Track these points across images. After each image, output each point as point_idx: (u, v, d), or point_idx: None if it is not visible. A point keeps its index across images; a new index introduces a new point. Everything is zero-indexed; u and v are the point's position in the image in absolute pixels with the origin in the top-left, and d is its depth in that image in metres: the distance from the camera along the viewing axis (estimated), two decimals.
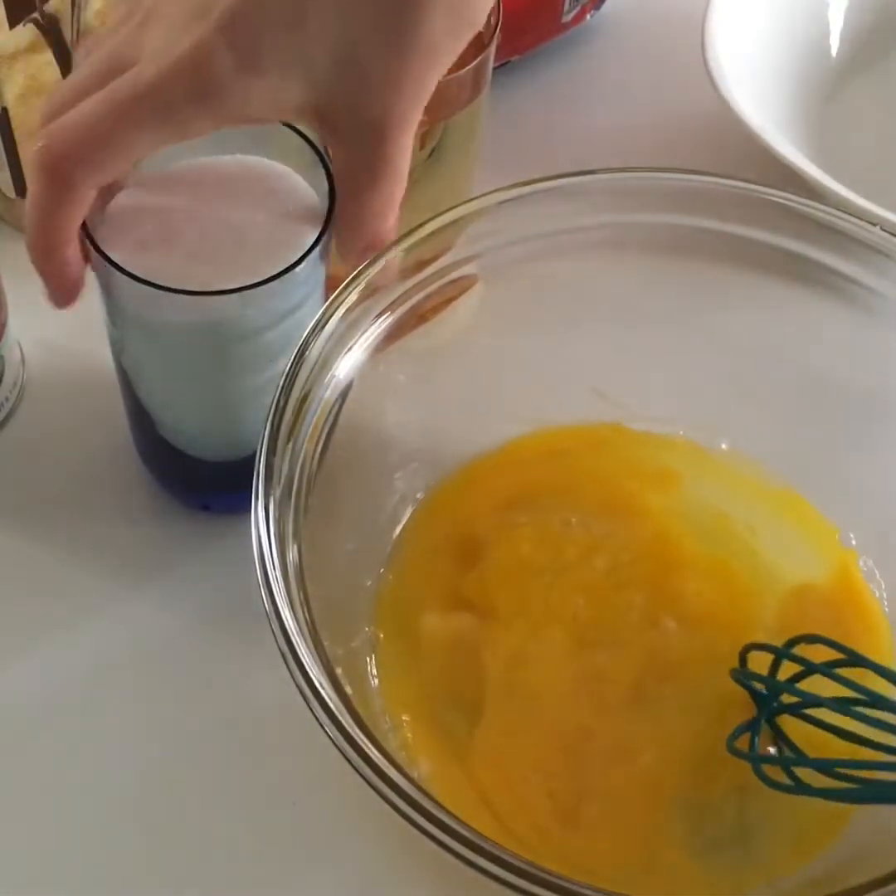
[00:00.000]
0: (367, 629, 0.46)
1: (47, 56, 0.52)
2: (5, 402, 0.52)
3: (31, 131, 0.53)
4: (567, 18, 0.64)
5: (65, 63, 0.53)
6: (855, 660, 0.41)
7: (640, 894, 0.41)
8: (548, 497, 0.49)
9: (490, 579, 0.47)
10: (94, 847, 0.44)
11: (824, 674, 0.40)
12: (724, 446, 0.51)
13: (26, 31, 0.50)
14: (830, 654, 0.41)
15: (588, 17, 0.66)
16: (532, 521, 0.48)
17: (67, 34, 0.52)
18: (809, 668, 0.41)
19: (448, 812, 0.34)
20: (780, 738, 0.43)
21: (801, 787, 0.40)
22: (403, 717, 0.44)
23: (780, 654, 0.42)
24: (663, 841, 0.42)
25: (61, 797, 0.45)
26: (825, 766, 0.40)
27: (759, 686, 0.42)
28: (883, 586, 0.48)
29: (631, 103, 0.66)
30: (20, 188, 0.55)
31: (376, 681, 0.45)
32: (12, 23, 0.49)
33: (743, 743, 0.42)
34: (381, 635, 0.46)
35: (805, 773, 0.41)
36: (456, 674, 0.45)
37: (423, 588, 0.47)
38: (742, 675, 0.43)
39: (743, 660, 0.43)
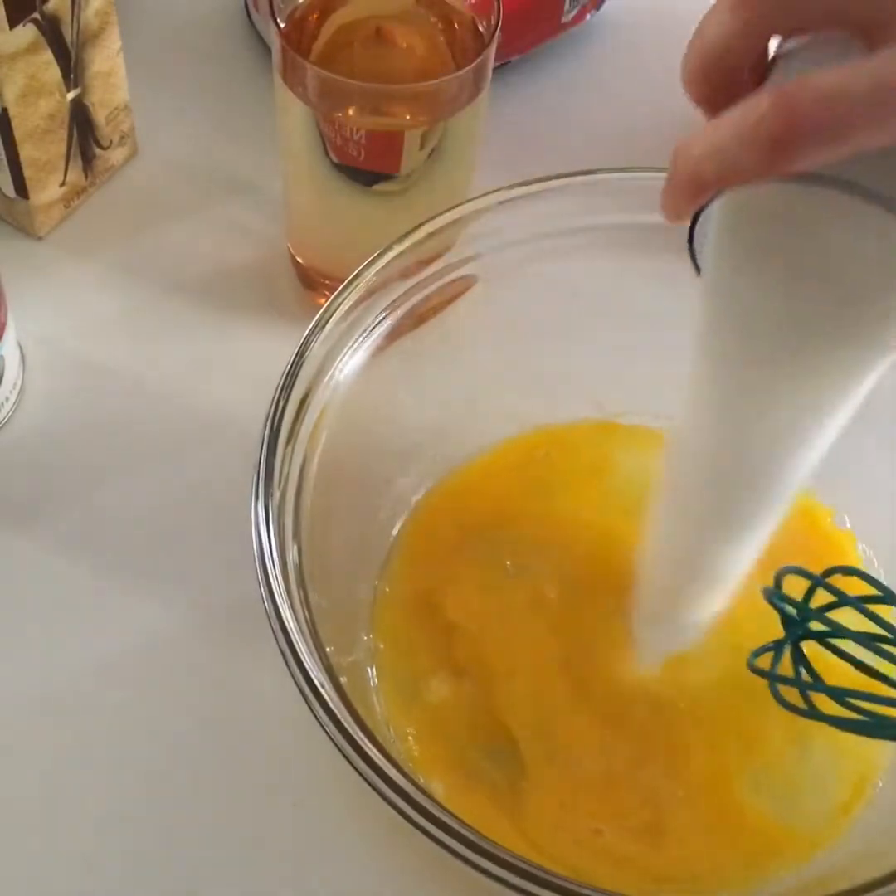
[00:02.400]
0: (366, 638, 0.46)
1: (47, 56, 0.52)
2: (5, 402, 0.52)
3: (31, 131, 0.53)
4: (567, 18, 0.64)
5: (65, 63, 0.53)
6: (887, 597, 0.41)
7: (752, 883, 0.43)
8: (494, 531, 0.49)
9: (473, 643, 0.46)
10: (93, 846, 0.44)
11: (855, 607, 0.41)
12: None
13: (26, 31, 0.50)
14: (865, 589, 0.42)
15: (588, 17, 0.66)
16: (477, 566, 0.48)
17: (67, 34, 0.52)
18: (842, 600, 0.41)
19: (448, 812, 0.34)
20: (802, 663, 0.43)
21: (813, 713, 0.41)
22: (408, 730, 0.45)
23: (816, 581, 0.42)
24: (750, 815, 0.44)
25: (60, 796, 0.45)
26: (839, 695, 0.41)
27: (790, 610, 0.43)
28: (882, 573, 0.49)
29: (631, 103, 0.66)
30: (20, 188, 0.55)
31: (377, 688, 0.45)
32: (12, 23, 0.49)
33: (764, 663, 0.43)
34: (382, 646, 0.46)
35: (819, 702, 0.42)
36: (481, 734, 0.45)
37: (413, 612, 0.48)
38: (775, 596, 0.43)
39: (778, 583, 0.43)
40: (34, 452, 0.52)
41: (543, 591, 0.47)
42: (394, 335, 0.45)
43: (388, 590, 0.48)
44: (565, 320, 0.49)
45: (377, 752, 0.35)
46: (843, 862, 0.42)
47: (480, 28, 0.49)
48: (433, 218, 0.44)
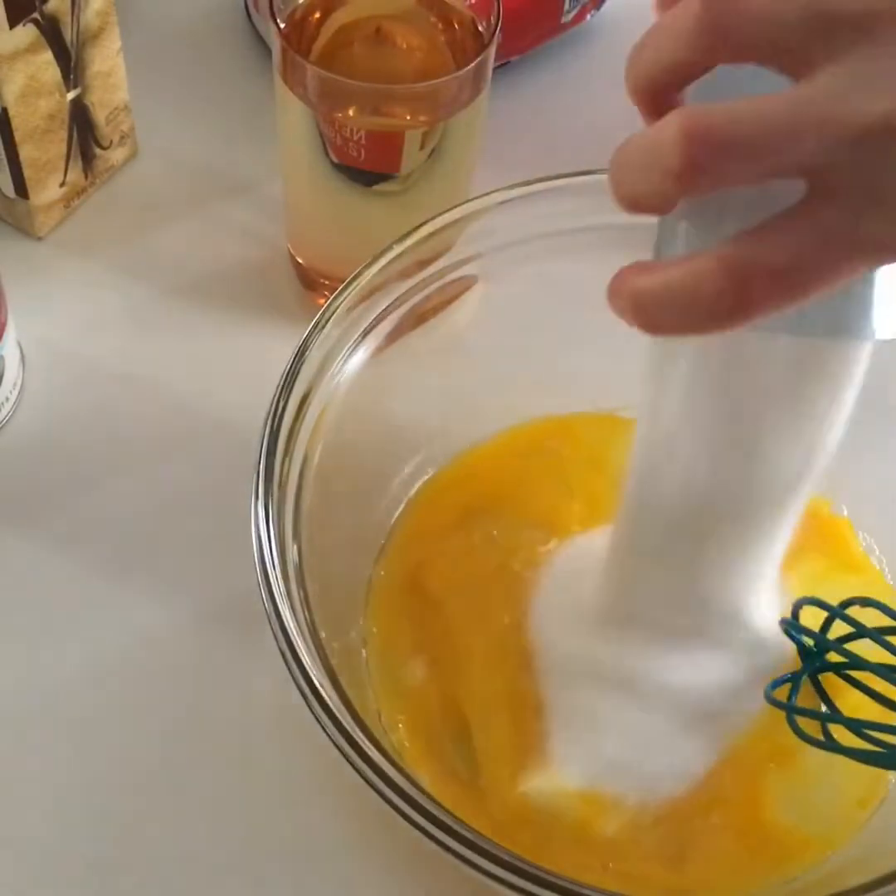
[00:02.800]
0: (361, 622, 0.46)
1: (47, 56, 0.52)
2: (5, 402, 0.52)
3: (31, 131, 0.53)
4: (567, 18, 0.64)
5: (65, 63, 0.53)
6: None
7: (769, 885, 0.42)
8: (488, 513, 0.49)
9: (446, 619, 0.46)
10: (91, 845, 0.44)
11: (874, 638, 0.41)
12: None
13: (26, 31, 0.50)
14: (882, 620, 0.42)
15: (588, 17, 0.66)
16: (463, 542, 0.48)
17: (67, 34, 0.52)
18: (860, 632, 0.41)
19: (448, 812, 0.34)
20: (819, 694, 0.43)
21: (831, 744, 0.41)
22: (398, 717, 0.45)
23: (834, 612, 0.42)
24: (773, 823, 0.43)
25: (59, 797, 0.45)
26: (857, 727, 0.41)
27: (808, 641, 0.43)
28: (884, 561, 0.49)
29: (631, 103, 0.65)
30: (20, 188, 0.55)
31: (369, 673, 0.45)
32: (12, 23, 0.49)
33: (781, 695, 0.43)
34: (375, 630, 0.46)
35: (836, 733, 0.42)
36: (447, 722, 0.45)
37: (401, 591, 0.48)
38: (792, 627, 0.43)
39: (795, 614, 0.43)
40: (34, 452, 0.52)
41: (517, 566, 0.47)
42: (394, 335, 0.45)
43: (383, 573, 0.48)
44: (565, 320, 0.49)
45: (377, 753, 0.35)
46: (857, 856, 0.42)
47: (480, 28, 0.49)
48: (433, 218, 0.44)
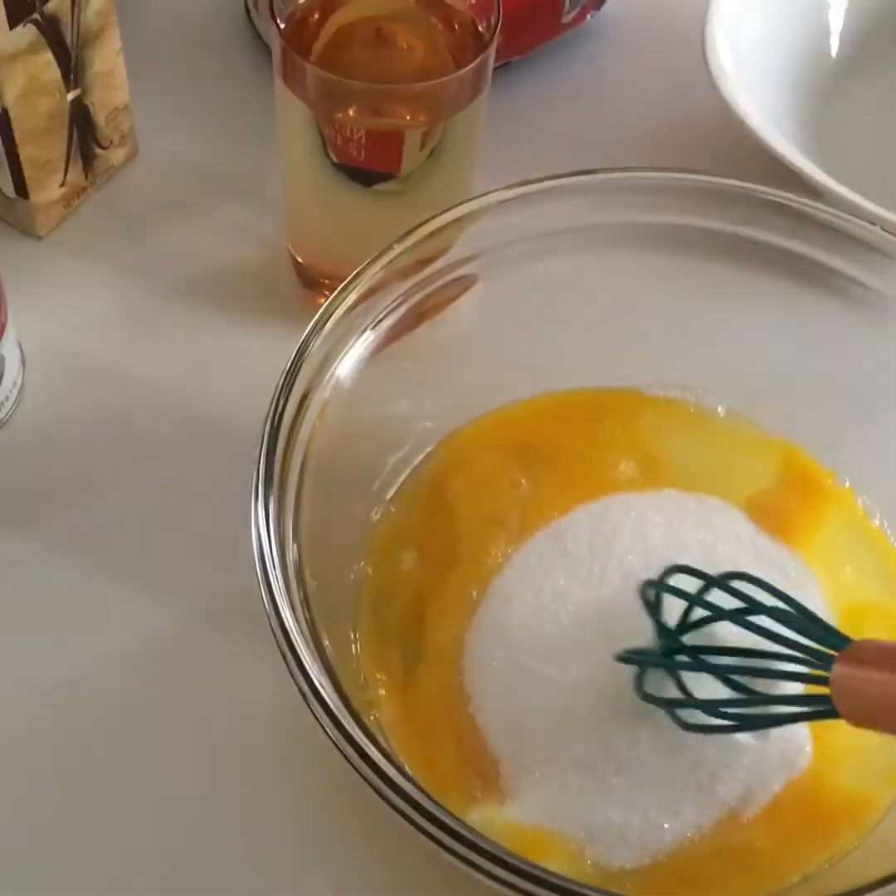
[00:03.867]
0: (361, 564, 0.47)
1: (47, 56, 0.52)
2: (5, 401, 0.52)
3: (31, 131, 0.53)
4: (567, 19, 0.64)
5: (65, 63, 0.53)
6: (780, 594, 0.39)
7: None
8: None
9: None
10: (91, 845, 0.44)
11: (734, 620, 0.39)
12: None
13: (26, 31, 0.50)
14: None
15: (588, 17, 0.66)
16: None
17: (67, 35, 0.52)
18: (717, 615, 0.40)
19: (447, 812, 0.34)
20: (674, 679, 0.41)
21: (686, 726, 0.41)
22: (379, 676, 0.44)
23: (711, 581, 0.40)
24: (825, 787, 0.43)
25: (58, 796, 0.45)
26: (712, 708, 0.40)
27: (667, 622, 0.41)
28: (886, 525, 0.49)
29: (631, 103, 0.66)
30: (20, 188, 0.55)
31: (357, 638, 0.45)
32: (12, 23, 0.49)
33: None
34: (370, 570, 0.46)
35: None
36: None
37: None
38: (647, 601, 0.41)
39: (663, 580, 0.41)
40: (34, 452, 0.52)
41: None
42: (394, 334, 0.45)
43: (392, 509, 0.48)
44: (565, 319, 0.49)
45: (377, 752, 0.35)
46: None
47: (480, 28, 0.49)
48: (433, 218, 0.44)
